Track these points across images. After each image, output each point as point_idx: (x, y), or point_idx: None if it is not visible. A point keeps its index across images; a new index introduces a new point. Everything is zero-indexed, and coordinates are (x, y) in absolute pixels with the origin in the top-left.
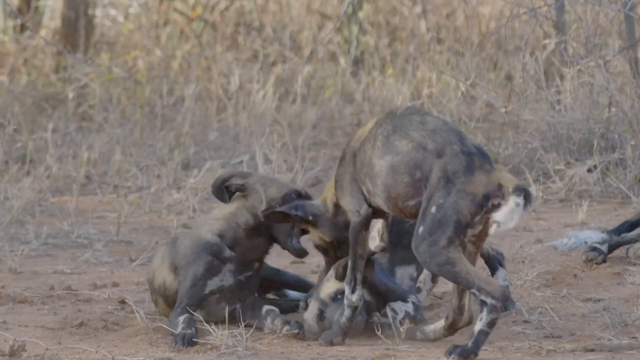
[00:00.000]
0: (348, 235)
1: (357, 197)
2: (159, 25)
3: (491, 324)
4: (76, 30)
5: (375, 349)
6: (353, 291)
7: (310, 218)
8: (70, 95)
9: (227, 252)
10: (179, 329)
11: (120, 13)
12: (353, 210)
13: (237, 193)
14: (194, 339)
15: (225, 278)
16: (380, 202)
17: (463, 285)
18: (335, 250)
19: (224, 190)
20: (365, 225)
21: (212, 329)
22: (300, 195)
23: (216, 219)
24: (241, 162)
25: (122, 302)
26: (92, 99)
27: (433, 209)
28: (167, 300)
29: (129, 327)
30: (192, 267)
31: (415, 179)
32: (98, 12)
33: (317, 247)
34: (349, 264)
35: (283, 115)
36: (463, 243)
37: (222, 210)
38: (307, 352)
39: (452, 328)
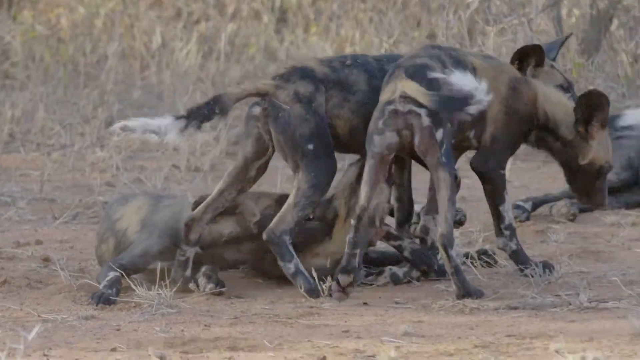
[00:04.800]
0: None
1: None
2: None
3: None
4: None
5: (299, 307)
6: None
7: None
8: None
9: (190, 251)
10: (101, 286)
11: None
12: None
13: None
14: (111, 298)
15: (173, 262)
16: None
17: None
18: None
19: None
20: None
21: (137, 287)
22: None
23: None
24: None
25: (46, 260)
26: (15, 56)
27: None
28: (117, 245)
29: (53, 285)
30: (150, 240)
31: None
32: None
33: None
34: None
35: (206, 73)
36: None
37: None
38: (231, 309)
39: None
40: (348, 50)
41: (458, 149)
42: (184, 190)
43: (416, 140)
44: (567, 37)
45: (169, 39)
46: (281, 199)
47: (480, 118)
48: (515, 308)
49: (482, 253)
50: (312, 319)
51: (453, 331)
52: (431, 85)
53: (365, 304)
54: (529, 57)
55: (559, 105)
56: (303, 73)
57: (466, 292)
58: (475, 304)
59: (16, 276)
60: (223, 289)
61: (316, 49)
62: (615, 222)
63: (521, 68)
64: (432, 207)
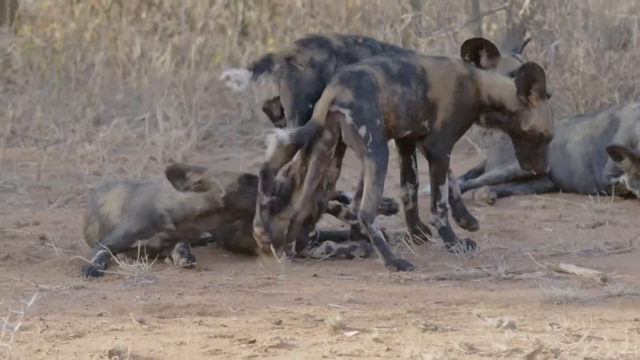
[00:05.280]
0: None
1: None
2: (73, 2)
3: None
4: (3, 6)
5: (259, 278)
6: None
7: None
8: None
9: (168, 225)
10: (91, 261)
11: None
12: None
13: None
14: (98, 271)
15: (154, 241)
16: None
17: None
18: None
19: (179, 179)
20: None
21: (120, 262)
22: (251, 178)
23: (172, 198)
24: (143, 119)
25: (42, 238)
26: (15, 65)
27: None
28: (102, 228)
29: (48, 260)
30: (130, 221)
31: None
32: None
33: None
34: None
35: (179, 79)
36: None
37: (181, 194)
38: (200, 280)
39: None
40: None
41: (416, 135)
42: (160, 179)
43: (343, 136)
44: (528, 40)
45: (147, 50)
46: (242, 177)
47: (433, 109)
48: (443, 279)
49: (415, 231)
50: (269, 288)
51: (390, 299)
52: (361, 89)
53: (315, 275)
54: (480, 49)
55: (504, 87)
56: (321, 42)
57: (389, 261)
58: (409, 276)
59: (17, 252)
60: (194, 263)
61: None
62: (528, 206)
63: (476, 59)
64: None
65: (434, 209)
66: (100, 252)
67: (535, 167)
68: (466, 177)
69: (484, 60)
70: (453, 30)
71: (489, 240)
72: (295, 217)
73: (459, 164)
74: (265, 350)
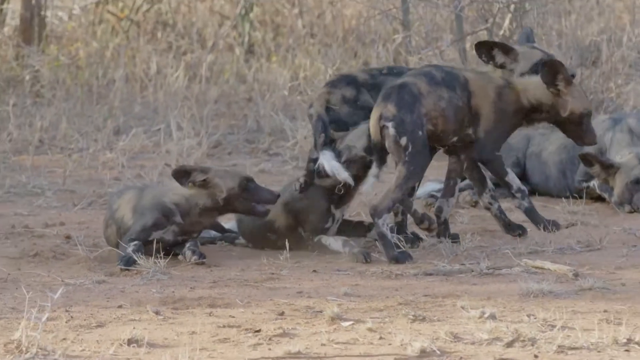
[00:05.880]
0: None
1: None
2: (95, 23)
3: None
4: (32, 27)
5: (263, 274)
6: None
7: None
8: (27, 77)
9: (177, 218)
10: (129, 250)
11: (65, 14)
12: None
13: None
14: (131, 259)
15: (167, 234)
16: None
17: None
18: None
19: (184, 178)
20: None
21: (138, 259)
22: (250, 180)
23: (178, 193)
24: (159, 129)
25: (68, 237)
26: (43, 80)
27: None
28: (119, 230)
29: (73, 257)
30: (145, 217)
31: None
32: (49, 13)
33: None
34: None
35: (191, 93)
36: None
37: (185, 190)
38: (210, 275)
39: None
40: (301, 75)
41: (463, 142)
42: (162, 180)
43: (386, 145)
44: (531, 30)
45: (162, 67)
46: (243, 180)
47: (476, 117)
48: (430, 274)
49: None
50: (273, 282)
51: (382, 292)
52: (402, 102)
53: (314, 271)
54: (492, 50)
55: (535, 87)
56: (348, 80)
57: (389, 255)
58: (400, 271)
59: (44, 250)
60: (204, 260)
61: (276, 74)
62: (507, 208)
63: (492, 58)
64: (446, 192)
65: (513, 195)
66: (134, 243)
67: (586, 142)
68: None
69: (499, 57)
70: (439, 49)
71: (471, 239)
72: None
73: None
74: (270, 339)
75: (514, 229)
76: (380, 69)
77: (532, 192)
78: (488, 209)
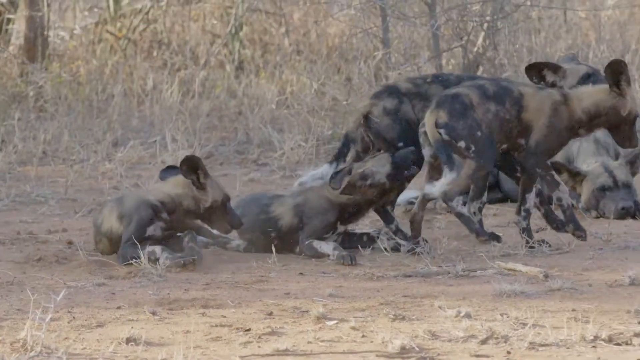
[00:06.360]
0: None
1: None
2: (95, 42)
3: None
4: (35, 46)
5: (253, 276)
6: None
7: None
8: (31, 93)
9: (164, 214)
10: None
11: (67, 34)
12: None
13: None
14: (138, 254)
15: (156, 230)
16: None
17: None
18: None
19: (191, 171)
20: None
21: (136, 263)
22: (229, 200)
23: (163, 192)
24: (155, 141)
25: (69, 243)
26: (47, 96)
27: None
28: (111, 241)
29: (74, 261)
30: (137, 215)
31: None
32: (51, 33)
33: None
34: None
35: (185, 107)
36: None
37: (170, 189)
38: (203, 278)
39: None
40: (288, 90)
41: (513, 150)
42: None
43: None
44: (573, 54)
45: (158, 83)
46: (225, 198)
47: (528, 129)
48: (409, 276)
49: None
50: (262, 284)
51: (364, 293)
52: (454, 110)
53: (301, 274)
54: (542, 70)
55: (590, 94)
56: (390, 90)
57: (471, 229)
58: (381, 273)
59: (48, 255)
60: (185, 262)
61: (264, 89)
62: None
63: (542, 78)
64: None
65: (519, 212)
66: (134, 249)
67: (633, 143)
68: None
69: (549, 76)
70: (417, 65)
71: (448, 243)
72: (414, 217)
73: (422, 178)
74: (259, 337)
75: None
76: (425, 77)
77: (505, 199)
78: (538, 208)
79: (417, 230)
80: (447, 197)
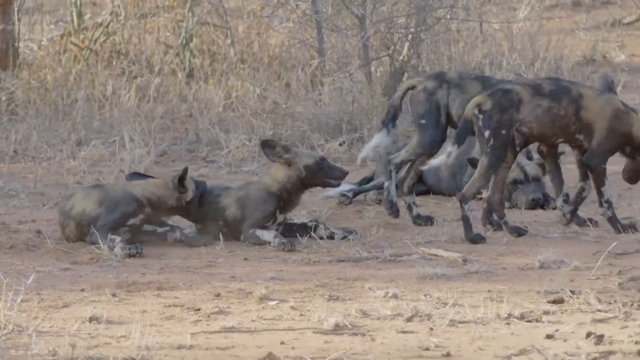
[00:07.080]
0: None
1: None
2: (61, 52)
3: None
4: (7, 56)
5: (202, 262)
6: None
7: None
8: (3, 98)
9: (148, 209)
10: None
11: (35, 44)
12: None
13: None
14: (119, 244)
15: (138, 220)
16: None
17: None
18: None
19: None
20: None
21: (98, 249)
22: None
23: (149, 190)
24: (114, 140)
25: (38, 232)
26: (17, 100)
27: None
28: (79, 225)
29: (43, 249)
30: (123, 206)
31: None
32: (21, 44)
33: None
34: None
35: (141, 111)
36: None
37: (155, 190)
38: (158, 263)
39: None
40: (233, 95)
41: (571, 145)
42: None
43: (476, 132)
44: (612, 80)
45: (117, 89)
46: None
47: (587, 128)
48: (343, 260)
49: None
50: (211, 269)
51: (302, 276)
52: (499, 103)
53: (245, 259)
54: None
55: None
56: (438, 75)
57: (468, 236)
58: (317, 258)
59: (19, 243)
60: (133, 252)
61: (212, 94)
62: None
63: None
64: (583, 177)
65: (601, 205)
66: (108, 234)
67: (636, 180)
68: (360, 183)
69: None
70: (349, 72)
71: (377, 231)
72: (490, 199)
73: (354, 173)
74: (208, 316)
75: (582, 222)
76: (471, 74)
77: (427, 191)
78: (559, 208)
79: (499, 212)
80: (464, 199)
